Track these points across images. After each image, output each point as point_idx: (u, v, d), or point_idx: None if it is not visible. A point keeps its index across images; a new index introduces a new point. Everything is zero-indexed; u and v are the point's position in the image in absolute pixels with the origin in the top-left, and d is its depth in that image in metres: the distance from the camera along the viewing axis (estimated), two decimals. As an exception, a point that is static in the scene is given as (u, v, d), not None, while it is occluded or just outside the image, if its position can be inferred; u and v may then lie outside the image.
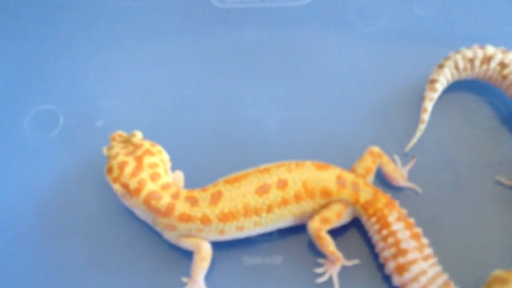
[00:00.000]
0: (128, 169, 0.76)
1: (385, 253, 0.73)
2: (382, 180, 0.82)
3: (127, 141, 0.79)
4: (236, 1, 1.01)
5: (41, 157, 0.87)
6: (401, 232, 0.73)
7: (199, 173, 0.82)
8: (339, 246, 0.76)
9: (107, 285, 0.77)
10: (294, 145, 0.86)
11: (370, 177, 0.79)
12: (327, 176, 0.76)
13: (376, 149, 0.80)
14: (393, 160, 0.83)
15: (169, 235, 0.76)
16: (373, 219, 0.75)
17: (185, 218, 0.74)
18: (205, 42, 0.97)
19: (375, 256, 0.76)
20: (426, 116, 0.85)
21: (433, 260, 0.72)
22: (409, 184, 0.82)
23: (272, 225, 0.76)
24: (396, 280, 0.72)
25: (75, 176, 0.85)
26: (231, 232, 0.75)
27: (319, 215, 0.75)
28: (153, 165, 0.77)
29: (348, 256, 0.77)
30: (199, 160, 0.85)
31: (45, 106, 0.92)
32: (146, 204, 0.75)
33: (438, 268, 0.72)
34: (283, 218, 0.76)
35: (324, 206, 0.76)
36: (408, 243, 0.72)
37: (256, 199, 0.74)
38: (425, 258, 0.72)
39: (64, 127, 0.90)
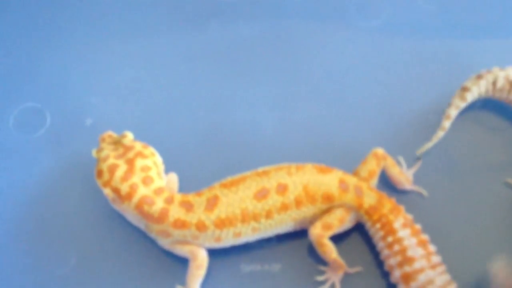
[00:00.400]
0: (119, 173, 0.72)
1: (391, 261, 0.70)
2: (387, 183, 0.79)
3: (117, 143, 0.75)
4: (228, -6, 0.98)
5: (26, 157, 0.84)
6: (407, 239, 0.70)
7: (193, 176, 0.80)
8: (341, 253, 0.73)
9: None
10: (292, 147, 0.83)
11: (374, 181, 0.76)
12: (329, 180, 0.73)
13: (380, 151, 0.77)
14: (398, 163, 0.80)
15: (163, 242, 0.73)
16: (378, 225, 0.72)
17: (180, 224, 0.71)
18: (196, 38, 0.94)
19: (379, 263, 0.73)
20: (447, 124, 0.81)
21: (442, 268, 0.69)
22: (415, 188, 0.79)
23: (271, 231, 0.73)
24: (402, 289, 0.69)
25: (63, 178, 0.82)
26: (228, 239, 0.72)
27: (321, 220, 0.72)
28: (145, 168, 0.73)
29: (350, 263, 0.74)
30: (193, 163, 0.82)
31: (30, 104, 0.88)
32: (138, 209, 0.72)
33: (446, 277, 0.69)
34: (282, 224, 0.73)
35: (326, 211, 0.73)
36: (415, 251, 0.69)
37: (255, 204, 0.71)
38: (433, 267, 0.69)
39: (51, 126, 0.87)
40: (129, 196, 0.71)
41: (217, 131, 0.85)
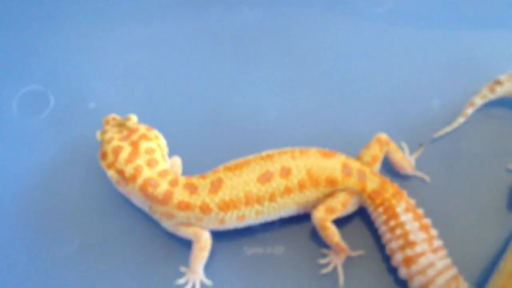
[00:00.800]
0: (124, 155, 0.72)
1: (392, 245, 0.71)
2: (389, 168, 0.79)
3: (121, 125, 0.75)
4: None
5: (30, 140, 0.84)
6: (410, 224, 0.71)
7: (196, 159, 0.80)
8: (343, 236, 0.73)
9: (99, 276, 0.74)
10: (296, 131, 0.83)
11: (377, 165, 0.76)
12: (332, 164, 0.73)
13: (383, 136, 0.77)
14: (401, 148, 0.81)
15: (166, 224, 0.73)
16: (380, 209, 0.72)
17: (184, 206, 0.71)
18: (200, 22, 0.94)
19: (381, 247, 0.74)
20: (470, 111, 0.81)
21: (443, 252, 0.70)
22: (417, 173, 0.79)
23: (275, 214, 0.73)
24: (403, 272, 0.70)
25: (66, 160, 0.82)
26: (232, 222, 0.72)
27: (324, 204, 0.73)
28: (149, 151, 0.73)
29: (352, 247, 0.74)
30: (196, 146, 0.82)
31: (34, 87, 0.88)
32: (143, 191, 0.72)
33: (447, 261, 0.70)
34: (286, 207, 0.73)
35: (329, 195, 0.73)
36: (417, 235, 0.70)
37: (258, 187, 0.71)
38: (434, 251, 0.70)
39: (54, 109, 0.87)
40: (133, 178, 0.72)
41: (221, 115, 0.85)
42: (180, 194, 0.71)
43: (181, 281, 0.73)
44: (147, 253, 0.75)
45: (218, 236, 0.74)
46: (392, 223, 0.71)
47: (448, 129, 0.81)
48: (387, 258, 0.73)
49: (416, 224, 0.71)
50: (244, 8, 0.95)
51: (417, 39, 0.91)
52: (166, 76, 0.89)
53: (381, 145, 0.76)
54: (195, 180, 0.73)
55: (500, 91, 0.82)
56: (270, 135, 0.83)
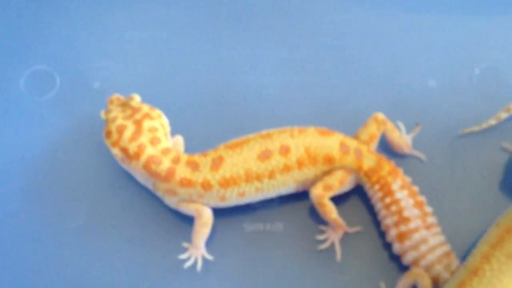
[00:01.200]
0: (127, 133, 0.74)
1: (387, 221, 0.73)
2: (386, 147, 0.80)
3: (125, 105, 0.77)
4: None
5: (37, 118, 0.86)
6: (404, 200, 0.72)
7: (198, 137, 0.81)
8: (341, 213, 0.75)
9: (103, 251, 0.76)
10: (295, 110, 0.84)
11: (374, 144, 0.77)
12: (330, 143, 0.74)
13: (380, 115, 0.78)
14: (398, 127, 0.81)
15: (169, 200, 0.75)
16: (376, 187, 0.74)
17: (186, 183, 0.73)
18: (203, 1, 0.94)
19: (377, 223, 0.75)
20: (504, 116, 0.81)
21: (436, 229, 0.72)
22: (414, 152, 0.80)
23: (274, 191, 0.75)
24: (397, 247, 0.71)
25: (72, 139, 0.84)
26: (232, 198, 0.74)
27: (322, 181, 0.74)
28: (152, 129, 0.75)
29: (349, 223, 0.76)
30: (198, 125, 0.83)
31: (40, 67, 0.89)
32: (146, 168, 0.73)
33: (440, 238, 0.71)
34: (285, 185, 0.74)
35: (327, 172, 0.75)
36: (411, 212, 0.71)
37: (258, 164, 0.73)
38: (428, 227, 0.71)
39: (60, 89, 0.88)
40: (137, 155, 0.73)
41: (222, 94, 0.86)
42: (182, 171, 0.73)
43: (183, 256, 0.75)
44: (150, 228, 0.77)
45: (219, 213, 0.76)
46: (388, 200, 0.73)
47: (475, 128, 0.81)
48: (383, 235, 0.74)
49: (411, 201, 0.72)
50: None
51: (415, 19, 0.91)
52: (170, 56, 0.90)
53: (378, 124, 0.77)
54: (196, 157, 0.75)
55: None
56: (270, 112, 0.84)
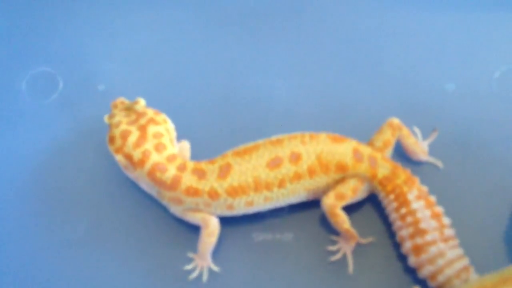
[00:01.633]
0: (132, 139, 0.72)
1: (402, 232, 0.70)
2: (401, 154, 0.78)
3: (129, 109, 0.75)
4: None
5: (39, 122, 0.84)
6: (421, 211, 0.69)
7: (205, 143, 0.79)
8: (353, 223, 0.72)
9: (105, 261, 0.74)
10: (306, 115, 0.82)
11: (389, 151, 0.75)
12: (343, 150, 0.72)
13: (395, 120, 0.76)
14: (414, 133, 0.79)
15: (175, 209, 0.73)
16: (391, 196, 0.71)
17: (192, 191, 0.71)
18: (210, 3, 0.93)
19: (391, 234, 0.73)
20: None
21: (454, 242, 0.69)
22: (430, 159, 0.78)
23: (284, 200, 0.72)
24: (412, 260, 0.69)
25: (75, 143, 0.82)
26: (240, 208, 0.72)
27: (334, 190, 0.72)
28: (157, 135, 0.73)
29: (362, 233, 0.73)
30: (205, 130, 0.82)
31: (43, 69, 0.88)
32: (151, 176, 0.71)
33: (458, 251, 0.68)
34: (295, 193, 0.72)
35: (339, 181, 0.72)
36: (428, 223, 0.69)
37: (267, 173, 0.70)
38: (445, 240, 0.68)
39: (63, 91, 0.86)
40: (141, 162, 0.71)
41: (231, 98, 0.84)
42: (188, 179, 0.71)
43: (189, 267, 0.72)
44: (155, 238, 0.75)
45: (227, 222, 0.73)
46: (403, 210, 0.70)
47: None
48: (397, 246, 0.72)
49: (427, 212, 0.69)
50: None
51: (432, 21, 0.89)
52: (176, 59, 0.88)
53: (393, 130, 0.75)
54: (203, 165, 0.72)
55: None
56: (280, 117, 0.82)
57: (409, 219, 0.69)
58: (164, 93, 0.84)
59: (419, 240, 0.68)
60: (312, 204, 0.74)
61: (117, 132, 0.73)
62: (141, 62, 0.88)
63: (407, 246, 0.69)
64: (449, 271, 0.67)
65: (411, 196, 0.70)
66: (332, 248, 0.73)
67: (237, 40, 0.89)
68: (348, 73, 0.85)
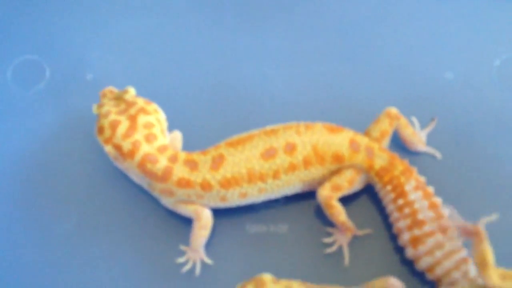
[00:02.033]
0: (121, 129, 0.70)
1: (400, 224, 0.69)
2: (398, 144, 0.77)
3: (119, 98, 0.73)
4: None
5: (25, 112, 0.82)
6: (419, 202, 0.68)
7: (197, 133, 0.78)
8: (349, 214, 0.71)
9: (96, 254, 0.73)
10: (302, 104, 0.81)
11: (386, 141, 0.74)
12: (339, 140, 0.71)
13: (393, 110, 0.74)
14: (412, 123, 0.78)
15: (166, 201, 0.72)
16: (389, 187, 0.70)
17: (184, 183, 0.69)
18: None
19: (388, 225, 0.72)
20: None
21: (453, 233, 0.67)
22: (428, 149, 0.77)
23: (279, 191, 0.71)
24: (410, 252, 0.68)
25: (62, 133, 0.80)
26: (234, 199, 0.70)
27: (330, 182, 0.71)
28: (148, 125, 0.71)
29: (359, 225, 0.72)
30: (197, 120, 0.80)
31: (29, 57, 0.86)
32: (141, 167, 0.70)
33: (457, 243, 0.67)
34: (290, 185, 0.71)
35: (335, 172, 0.71)
36: (426, 214, 0.68)
37: (262, 164, 0.69)
38: (443, 231, 0.67)
39: (50, 80, 0.84)
40: (131, 153, 0.70)
41: (224, 87, 0.83)
42: (180, 171, 0.69)
43: (181, 260, 0.71)
44: (146, 230, 0.74)
45: (219, 213, 0.72)
46: (401, 201, 0.69)
47: None
48: (394, 237, 0.71)
49: (425, 203, 0.68)
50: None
51: (431, 9, 0.88)
52: (167, 46, 0.86)
53: (390, 119, 0.74)
54: (195, 156, 0.71)
55: None
56: (275, 107, 0.81)
57: (406, 210, 0.68)
58: (154, 82, 0.83)
59: (417, 232, 0.67)
60: (307, 195, 0.73)
61: (106, 122, 0.71)
62: (131, 50, 0.86)
63: (404, 238, 0.68)
64: (447, 263, 0.66)
65: (408, 187, 0.69)
66: (327, 240, 0.72)
67: (231, 26, 0.87)
68: (345, 62, 0.84)
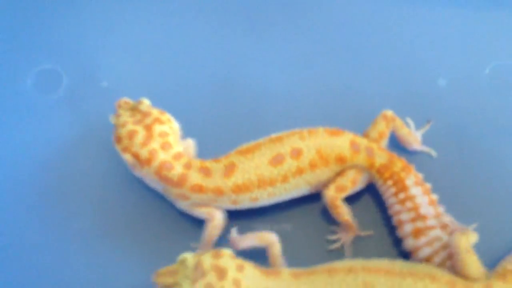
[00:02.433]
0: (138, 138, 0.74)
1: (402, 216, 0.72)
2: (395, 145, 0.80)
3: (134, 109, 0.76)
4: None
5: (44, 118, 0.85)
6: (420, 197, 0.72)
7: (207, 139, 0.80)
8: (353, 214, 0.75)
9: (110, 252, 0.76)
10: (302, 107, 0.84)
11: (384, 142, 0.77)
12: (341, 142, 0.74)
13: (389, 112, 0.78)
14: (407, 124, 0.81)
15: (181, 204, 0.75)
16: (389, 182, 0.74)
17: (198, 189, 0.73)
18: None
19: (391, 228, 0.75)
20: None
21: (449, 229, 0.71)
22: (424, 148, 0.80)
23: (287, 194, 0.75)
24: (410, 243, 0.71)
25: (79, 139, 0.83)
26: (245, 203, 0.74)
27: (334, 183, 0.74)
28: (163, 134, 0.74)
29: (361, 224, 0.75)
30: (207, 126, 0.83)
31: (47, 66, 0.88)
32: (158, 174, 0.73)
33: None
34: (298, 187, 0.74)
35: (339, 173, 0.75)
36: (427, 209, 0.71)
37: (271, 170, 0.73)
38: (443, 227, 0.71)
39: (67, 88, 0.87)
40: (148, 161, 0.73)
41: (231, 94, 0.85)
42: (194, 177, 0.73)
43: (191, 257, 0.75)
44: (158, 229, 0.77)
45: (227, 213, 0.75)
46: (402, 195, 0.72)
47: None
48: (396, 239, 0.74)
49: (425, 199, 0.72)
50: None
51: (425, 13, 0.90)
52: (178, 52, 0.88)
53: (387, 121, 0.77)
54: (208, 163, 0.74)
55: None
56: (278, 110, 0.84)
57: (408, 204, 0.72)
58: (166, 87, 0.85)
59: (420, 224, 0.70)
60: (309, 196, 0.76)
61: (123, 132, 0.74)
62: (143, 57, 0.88)
63: (407, 229, 0.71)
64: (444, 253, 0.69)
65: (409, 181, 0.73)
66: (331, 237, 0.76)
67: (236, 33, 0.89)
68: (344, 67, 0.86)
